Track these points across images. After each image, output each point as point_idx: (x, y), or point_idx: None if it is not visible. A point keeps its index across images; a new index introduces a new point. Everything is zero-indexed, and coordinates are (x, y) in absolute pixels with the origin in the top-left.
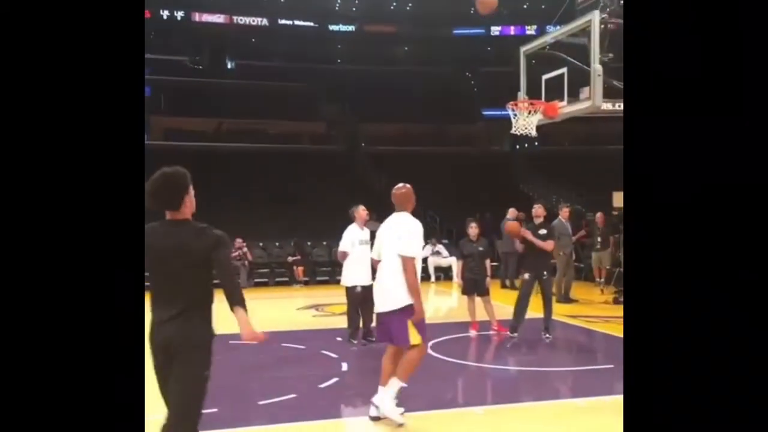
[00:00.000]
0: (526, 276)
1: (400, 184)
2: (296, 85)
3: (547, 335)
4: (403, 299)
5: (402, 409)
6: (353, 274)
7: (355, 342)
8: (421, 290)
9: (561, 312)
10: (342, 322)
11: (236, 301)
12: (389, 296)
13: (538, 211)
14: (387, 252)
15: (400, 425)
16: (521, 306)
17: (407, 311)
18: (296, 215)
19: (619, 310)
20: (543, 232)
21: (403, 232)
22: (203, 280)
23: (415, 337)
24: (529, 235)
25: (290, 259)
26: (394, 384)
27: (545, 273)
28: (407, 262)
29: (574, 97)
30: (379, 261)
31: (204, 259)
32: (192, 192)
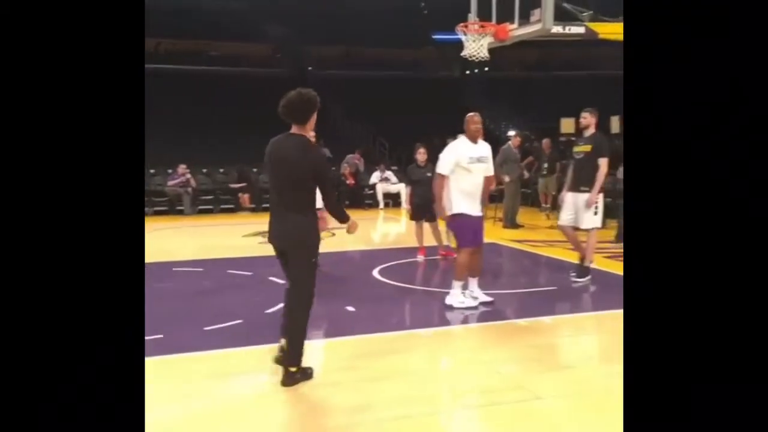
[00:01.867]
0: None
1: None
2: (240, 4)
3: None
4: (450, 208)
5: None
6: None
7: None
8: (441, 202)
9: (507, 236)
10: None
11: (339, 220)
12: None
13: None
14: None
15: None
16: None
17: (453, 219)
18: (241, 140)
19: (562, 235)
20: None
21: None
22: (302, 189)
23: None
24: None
25: (235, 185)
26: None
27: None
28: (437, 178)
29: (525, 19)
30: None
31: (304, 171)
32: (314, 119)
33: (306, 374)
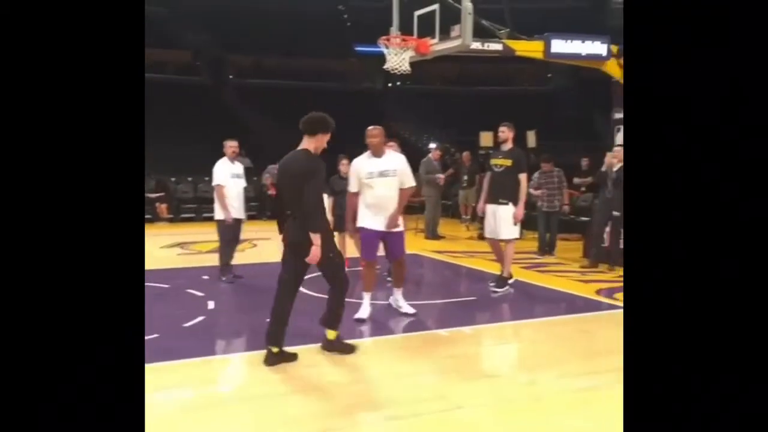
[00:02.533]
0: None
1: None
2: (159, 9)
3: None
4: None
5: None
6: (225, 207)
7: (224, 279)
8: (349, 219)
9: (428, 247)
10: (209, 260)
11: (308, 226)
12: None
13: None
14: None
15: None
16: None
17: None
18: (159, 149)
19: (482, 246)
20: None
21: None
22: (302, 194)
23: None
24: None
25: (152, 195)
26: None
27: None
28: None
29: (445, 34)
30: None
31: (299, 179)
32: (323, 138)
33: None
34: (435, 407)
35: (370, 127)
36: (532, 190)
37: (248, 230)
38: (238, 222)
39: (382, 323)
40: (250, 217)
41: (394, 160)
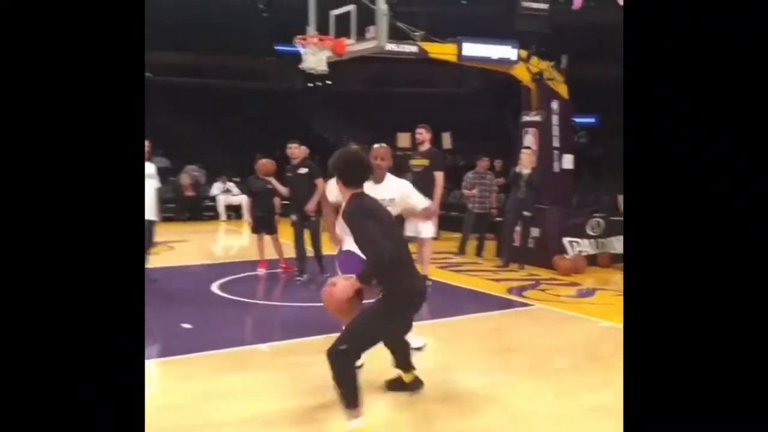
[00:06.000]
0: (293, 217)
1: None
2: None
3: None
4: None
5: None
6: None
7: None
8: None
9: None
10: None
11: None
12: None
13: (295, 151)
14: None
15: None
16: (298, 247)
17: None
18: None
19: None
20: (303, 171)
21: None
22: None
23: None
24: (273, 182)
25: None
26: None
27: (312, 215)
28: None
29: (362, 36)
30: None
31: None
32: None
33: None
34: None
35: (376, 146)
36: (465, 191)
37: (165, 232)
38: (150, 224)
39: (299, 325)
40: (167, 219)
41: (395, 186)
